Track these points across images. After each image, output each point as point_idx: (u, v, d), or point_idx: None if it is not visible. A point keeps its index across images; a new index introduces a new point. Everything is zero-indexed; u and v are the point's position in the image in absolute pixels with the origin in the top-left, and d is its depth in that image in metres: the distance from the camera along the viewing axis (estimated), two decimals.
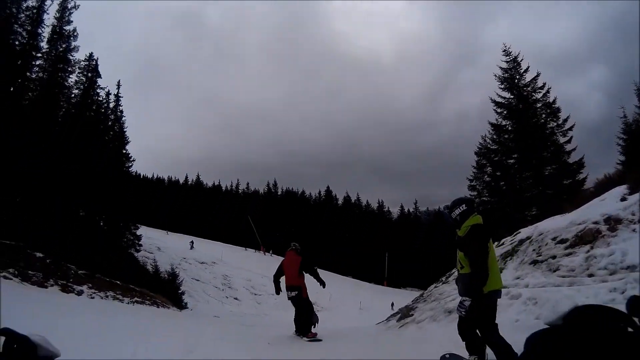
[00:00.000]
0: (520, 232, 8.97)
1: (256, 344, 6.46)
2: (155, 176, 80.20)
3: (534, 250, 7.44)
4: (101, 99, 25.75)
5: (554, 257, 6.80)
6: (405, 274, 61.78)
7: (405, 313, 8.64)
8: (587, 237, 6.42)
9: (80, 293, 13.27)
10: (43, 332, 1.58)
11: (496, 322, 4.04)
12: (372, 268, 62.60)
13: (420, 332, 6.64)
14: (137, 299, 16.00)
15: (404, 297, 42.28)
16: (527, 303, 5.76)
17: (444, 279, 10.42)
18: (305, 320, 7.43)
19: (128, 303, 14.91)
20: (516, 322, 5.30)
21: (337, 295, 37.89)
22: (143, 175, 75.58)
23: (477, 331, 4.06)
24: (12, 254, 12.78)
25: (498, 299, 4.09)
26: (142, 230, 35.02)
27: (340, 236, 68.10)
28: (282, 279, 7.92)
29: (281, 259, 8.33)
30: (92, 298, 13.43)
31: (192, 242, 43.06)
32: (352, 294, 40.21)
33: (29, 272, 12.42)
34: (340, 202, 79.82)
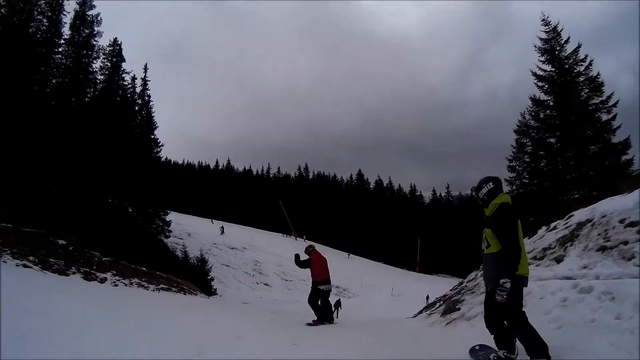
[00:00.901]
0: (573, 215, 7.66)
1: (279, 341, 5.57)
2: (185, 162, 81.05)
3: (599, 234, 6.22)
4: (126, 83, 25.63)
5: (625, 242, 5.60)
6: (438, 260, 60.43)
7: (450, 306, 7.51)
8: None
9: (103, 280, 12.92)
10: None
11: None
12: (404, 254, 61.47)
13: (473, 332, 5.44)
14: (163, 286, 15.62)
15: (437, 283, 41.20)
16: (601, 298, 4.59)
17: None
18: (328, 310, 8.80)
19: (153, 290, 14.51)
20: (592, 323, 4.22)
21: (369, 281, 37.17)
22: (174, 161, 76.87)
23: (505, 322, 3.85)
24: (33, 242, 12.52)
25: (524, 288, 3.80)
26: (173, 217, 35.39)
27: (372, 221, 67.11)
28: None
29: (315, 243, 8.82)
30: (116, 285, 13.05)
31: (222, 227, 42.95)
32: (383, 279, 39.39)
33: (50, 259, 12.12)
34: (372, 186, 78.57)
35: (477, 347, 4.35)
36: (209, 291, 23.37)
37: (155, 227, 28.02)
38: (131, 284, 13.89)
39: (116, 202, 24.10)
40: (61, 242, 13.64)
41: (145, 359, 3.98)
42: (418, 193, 79.30)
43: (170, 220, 29.58)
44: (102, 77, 23.94)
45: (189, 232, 36.28)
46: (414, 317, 9.01)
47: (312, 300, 8.45)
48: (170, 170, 68.35)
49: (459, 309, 6.95)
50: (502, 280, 3.53)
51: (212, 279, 25.35)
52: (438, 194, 76.52)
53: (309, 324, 8.01)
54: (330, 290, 8.76)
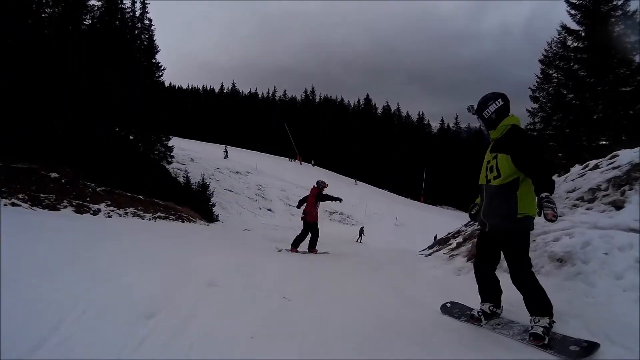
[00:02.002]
0: (619, 155, 6.91)
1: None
2: (190, 86, 79.38)
3: None
4: (126, 6, 24.24)
5: None
6: (443, 192, 60.72)
7: None
8: None
9: (96, 212, 12.97)
10: None
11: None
12: (408, 183, 61.72)
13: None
14: (161, 214, 15.79)
15: (442, 216, 41.73)
16: None
17: None
18: (312, 240, 9.87)
19: (149, 219, 14.68)
20: None
21: (373, 209, 37.64)
22: (178, 86, 75.34)
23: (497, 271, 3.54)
24: (23, 178, 12.41)
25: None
26: (177, 142, 35.20)
27: (378, 147, 66.68)
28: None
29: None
30: (109, 216, 13.13)
31: (225, 150, 42.80)
32: (388, 208, 39.79)
33: (41, 195, 12.09)
34: (379, 111, 77.07)
35: (448, 305, 4.00)
36: (210, 218, 23.80)
37: (158, 154, 27.99)
38: (126, 213, 13.98)
39: (116, 130, 23.84)
40: (53, 175, 13.51)
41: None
42: (426, 122, 78.02)
43: (173, 146, 29.39)
44: (99, 2, 22.65)
45: (192, 157, 36.28)
46: (429, 255, 8.40)
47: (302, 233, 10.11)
48: (173, 94, 67.24)
49: None
50: (545, 194, 2.84)
51: (213, 205, 25.70)
52: (446, 124, 75.04)
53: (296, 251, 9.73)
54: (304, 219, 10.21)
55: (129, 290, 3.78)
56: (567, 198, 6.25)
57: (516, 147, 3.17)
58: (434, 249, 8.81)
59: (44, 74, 15.52)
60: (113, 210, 13.62)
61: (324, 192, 10.31)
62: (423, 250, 10.97)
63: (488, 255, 3.54)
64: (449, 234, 9.21)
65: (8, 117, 14.13)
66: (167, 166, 28.75)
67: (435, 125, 76.60)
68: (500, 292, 3.56)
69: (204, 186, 25.81)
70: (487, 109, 3.41)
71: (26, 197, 11.61)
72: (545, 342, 3.00)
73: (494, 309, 3.57)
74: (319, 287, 4.98)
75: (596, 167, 7.12)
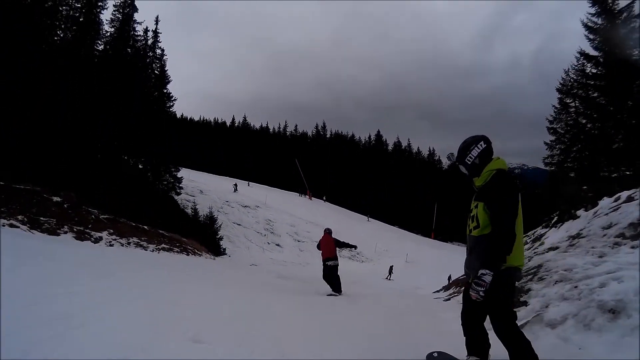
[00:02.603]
0: None
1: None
2: (202, 119, 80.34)
3: None
4: (138, 35, 24.61)
5: None
6: (454, 228, 59.47)
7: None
8: None
9: (97, 240, 12.32)
10: None
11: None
12: (419, 218, 60.55)
13: (566, 348, 3.42)
14: (165, 246, 15.06)
15: (454, 253, 40.26)
16: None
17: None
18: (337, 283, 9.92)
19: (152, 251, 13.94)
20: None
21: (383, 246, 36.51)
22: (190, 118, 76.39)
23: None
24: (24, 200, 11.88)
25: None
26: (187, 173, 34.92)
27: (389, 183, 66.02)
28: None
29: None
30: (111, 245, 12.45)
31: (235, 184, 42.43)
32: (398, 244, 38.60)
33: (41, 218, 11.50)
34: (390, 147, 77.02)
35: (435, 355, 3.55)
36: (217, 251, 22.97)
37: (166, 184, 27.58)
38: (128, 243, 13.28)
39: (125, 158, 23.58)
40: (56, 199, 13.00)
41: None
42: (437, 157, 77.64)
43: (182, 177, 29.05)
44: (112, 29, 23.06)
45: (202, 189, 35.84)
46: (447, 299, 7.75)
47: (325, 277, 10.30)
48: (185, 126, 68.06)
49: (526, 304, 4.85)
50: (481, 272, 2.74)
51: (221, 238, 24.90)
52: None
53: (330, 295, 9.48)
54: (337, 265, 10.36)
55: (100, 340, 2.94)
56: (604, 235, 5.55)
57: (490, 197, 2.88)
58: (450, 291, 8.46)
59: (54, 97, 15.40)
60: (115, 239, 12.96)
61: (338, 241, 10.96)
62: (438, 291, 10.10)
63: (473, 306, 3.09)
64: (463, 275, 8.43)
65: (8, 118, 13.86)
66: (176, 197, 28.28)
67: (446, 161, 76.36)
68: (489, 345, 3.15)
69: (211, 219, 25.10)
70: (470, 155, 3.08)
71: (25, 219, 11.05)
72: None
73: None
74: (326, 345, 3.89)
75: (630, 199, 6.45)
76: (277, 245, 31.17)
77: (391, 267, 26.96)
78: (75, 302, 3.81)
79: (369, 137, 78.59)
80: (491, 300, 2.87)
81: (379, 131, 78.72)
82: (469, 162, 3.09)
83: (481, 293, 2.73)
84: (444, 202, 60.41)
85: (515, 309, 4.51)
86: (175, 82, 27.98)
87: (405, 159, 73.54)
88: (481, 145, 3.06)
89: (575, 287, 4.18)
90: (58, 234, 11.34)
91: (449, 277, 30.03)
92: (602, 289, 3.83)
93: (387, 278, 25.54)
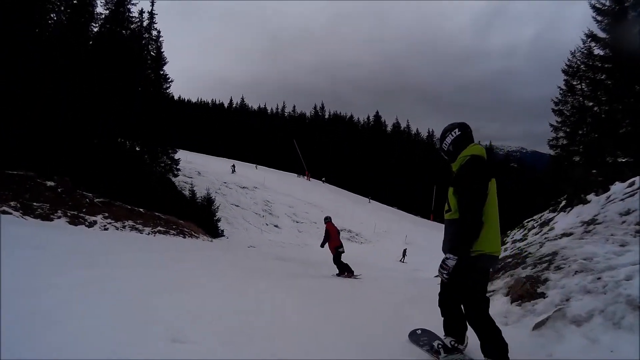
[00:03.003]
0: None
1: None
2: (200, 100, 79.48)
3: None
4: (133, 16, 24.03)
5: None
6: None
7: (525, 288, 4.55)
8: None
9: (92, 224, 12.25)
10: None
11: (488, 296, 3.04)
12: (418, 200, 60.50)
13: (595, 350, 3.06)
14: (161, 229, 15.02)
15: None
16: None
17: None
18: (346, 265, 10.74)
19: (148, 234, 13.91)
20: None
21: (382, 227, 36.57)
22: (187, 99, 75.63)
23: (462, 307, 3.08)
24: (17, 185, 11.75)
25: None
26: (184, 155, 34.69)
27: (388, 164, 65.77)
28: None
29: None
30: (105, 229, 12.40)
31: (233, 165, 42.19)
32: (397, 226, 38.61)
33: (34, 204, 11.39)
34: (389, 128, 76.47)
35: (418, 332, 3.74)
36: (215, 233, 22.98)
37: (164, 166, 27.41)
38: (124, 227, 13.23)
39: (121, 140, 23.34)
40: (49, 184, 12.86)
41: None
42: (435, 139, 77.22)
43: (179, 159, 28.88)
44: (106, 11, 22.55)
45: (199, 170, 35.68)
46: None
47: (336, 260, 10.88)
48: (182, 108, 67.43)
49: (543, 295, 4.25)
50: (446, 256, 2.88)
51: (218, 220, 24.87)
52: None
53: (336, 275, 10.61)
54: (344, 252, 11.16)
55: (70, 341, 2.73)
56: (623, 222, 5.25)
57: (459, 182, 2.96)
58: None
59: (45, 75, 15.12)
60: (110, 223, 12.89)
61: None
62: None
63: (447, 289, 3.19)
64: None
65: (8, 117, 13.63)
66: (173, 179, 28.16)
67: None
68: (465, 327, 3.18)
69: (209, 200, 25.01)
70: (445, 141, 3.22)
71: (18, 205, 10.95)
72: None
73: (455, 344, 3.19)
74: (324, 345, 3.45)
75: None
76: (276, 226, 31.17)
77: (405, 250, 27.22)
78: (50, 298, 3.66)
79: (368, 118, 78.02)
80: (459, 286, 2.94)
81: (377, 112, 78.08)
82: (445, 149, 3.22)
83: (444, 276, 2.84)
84: (444, 184, 60.24)
85: (529, 300, 4.41)
86: (173, 64, 27.36)
87: (404, 140, 73.06)
88: (455, 132, 3.15)
89: (599, 278, 3.85)
90: (52, 219, 11.26)
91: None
92: (629, 282, 3.53)
93: (401, 260, 25.77)
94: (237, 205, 32.00)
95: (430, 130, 77.60)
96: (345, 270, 10.59)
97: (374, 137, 71.73)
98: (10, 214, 10.35)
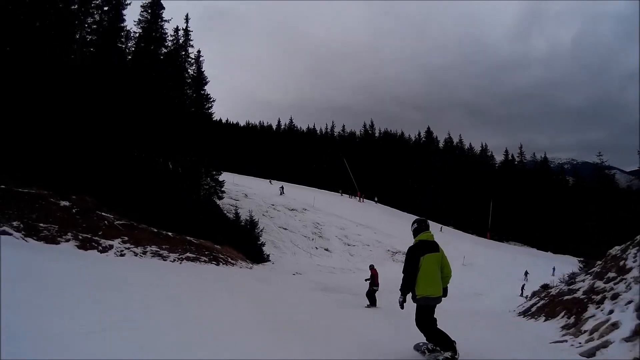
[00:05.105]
0: None
1: None
2: (248, 123, 79.94)
3: None
4: (165, 33, 23.44)
5: None
6: (509, 226, 54.15)
7: None
8: None
9: (106, 249, 10.64)
10: None
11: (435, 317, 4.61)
12: (474, 217, 55.79)
13: None
14: (190, 255, 13.22)
15: (516, 253, 36.26)
16: None
17: None
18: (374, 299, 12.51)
19: (173, 260, 12.13)
20: None
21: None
22: (236, 122, 76.49)
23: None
24: (25, 204, 10.43)
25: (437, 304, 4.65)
26: (231, 178, 33.66)
27: (441, 181, 61.71)
28: None
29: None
30: (122, 255, 10.74)
31: (282, 187, 40.63)
32: (452, 246, 34.98)
33: (40, 224, 9.97)
34: (441, 144, 72.50)
35: (421, 344, 4.82)
36: (259, 258, 21.05)
37: (208, 188, 26.25)
38: (144, 252, 11.53)
39: (161, 161, 22.41)
40: (63, 203, 11.51)
41: None
42: (489, 153, 71.93)
43: (224, 180, 27.69)
44: (139, 30, 22.19)
45: (246, 192, 34.40)
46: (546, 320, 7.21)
47: (369, 294, 12.49)
48: (230, 131, 67.81)
49: None
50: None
51: (263, 244, 22.93)
52: (510, 155, 68.05)
53: (366, 306, 12.06)
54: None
55: None
56: None
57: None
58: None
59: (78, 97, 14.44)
60: (129, 248, 11.24)
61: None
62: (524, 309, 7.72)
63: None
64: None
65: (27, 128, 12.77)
66: (218, 202, 26.89)
67: (499, 158, 69.99)
68: (449, 340, 4.45)
69: (252, 223, 23.20)
70: (412, 228, 5.10)
71: (22, 225, 9.50)
72: None
73: (434, 346, 4.56)
74: None
75: None
76: (326, 249, 28.91)
77: (523, 286, 22.77)
78: None
79: (419, 134, 74.44)
80: (417, 313, 4.63)
81: (429, 128, 74.27)
82: (412, 231, 5.07)
83: (400, 307, 4.70)
84: (500, 200, 55.30)
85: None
86: (220, 87, 26.88)
87: (457, 156, 68.59)
88: (414, 225, 5.05)
89: None
90: (58, 242, 9.76)
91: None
92: None
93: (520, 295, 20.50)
94: (285, 228, 30.13)
95: (484, 144, 72.39)
96: (373, 304, 12.33)
97: (426, 152, 68.08)
98: (10, 234, 8.91)
